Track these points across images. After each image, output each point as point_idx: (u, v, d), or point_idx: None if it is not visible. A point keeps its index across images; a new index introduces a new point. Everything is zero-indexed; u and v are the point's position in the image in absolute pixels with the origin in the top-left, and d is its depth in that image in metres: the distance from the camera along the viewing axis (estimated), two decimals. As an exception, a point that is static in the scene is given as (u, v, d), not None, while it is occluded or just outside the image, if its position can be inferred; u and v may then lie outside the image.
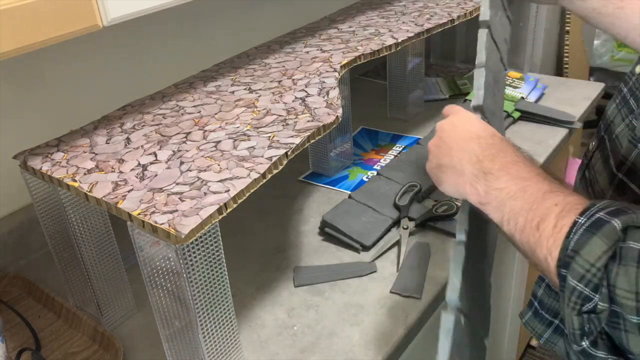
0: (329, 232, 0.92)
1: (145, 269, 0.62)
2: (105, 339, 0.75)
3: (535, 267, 0.49)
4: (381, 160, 1.12)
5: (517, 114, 1.22)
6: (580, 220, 0.45)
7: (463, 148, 0.57)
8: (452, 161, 0.58)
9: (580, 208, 0.46)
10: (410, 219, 0.92)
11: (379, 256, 0.87)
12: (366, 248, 0.88)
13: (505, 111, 1.21)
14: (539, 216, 0.47)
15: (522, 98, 1.27)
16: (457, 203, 0.94)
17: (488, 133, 0.57)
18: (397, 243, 0.89)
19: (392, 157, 1.13)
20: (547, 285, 0.79)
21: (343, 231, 0.90)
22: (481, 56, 0.69)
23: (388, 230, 0.92)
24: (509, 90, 1.29)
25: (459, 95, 1.37)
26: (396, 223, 0.93)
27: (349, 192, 1.01)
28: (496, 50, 0.75)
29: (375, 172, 1.07)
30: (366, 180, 1.06)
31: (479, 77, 0.68)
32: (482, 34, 0.71)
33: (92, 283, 0.75)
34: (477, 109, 0.66)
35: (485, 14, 0.71)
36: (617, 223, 0.43)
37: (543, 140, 1.14)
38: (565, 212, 0.47)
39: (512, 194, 0.51)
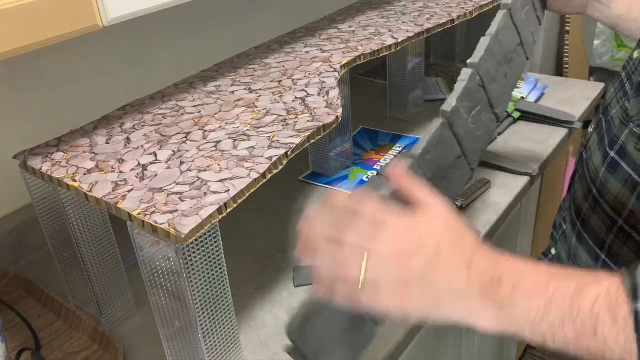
0: (329, 232, 0.92)
1: (145, 269, 0.62)
2: (105, 339, 0.75)
3: None
4: (381, 160, 1.12)
5: (517, 114, 1.22)
6: (639, 307, 0.41)
7: (451, 280, 0.45)
8: (439, 300, 0.46)
9: (622, 288, 0.43)
10: (411, 219, 0.92)
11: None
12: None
13: (505, 111, 1.21)
14: (589, 320, 0.43)
15: (522, 98, 1.27)
16: (457, 203, 0.94)
17: (467, 234, 0.47)
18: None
19: (392, 157, 1.13)
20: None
21: (343, 231, 0.90)
22: (492, 28, 0.72)
23: (388, 230, 0.92)
24: (509, 90, 1.29)
25: (459, 95, 1.37)
26: (396, 223, 0.93)
27: (349, 193, 1.01)
28: (515, 32, 0.77)
29: (375, 172, 1.07)
30: (366, 180, 1.06)
31: (484, 42, 0.70)
32: (500, 14, 0.75)
33: (92, 283, 0.75)
34: (472, 66, 0.67)
35: (507, 4, 0.75)
36: None
37: (543, 140, 1.15)
38: (614, 303, 0.43)
39: (542, 311, 0.44)
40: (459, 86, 0.66)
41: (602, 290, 0.43)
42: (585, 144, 0.69)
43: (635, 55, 0.59)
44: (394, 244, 0.45)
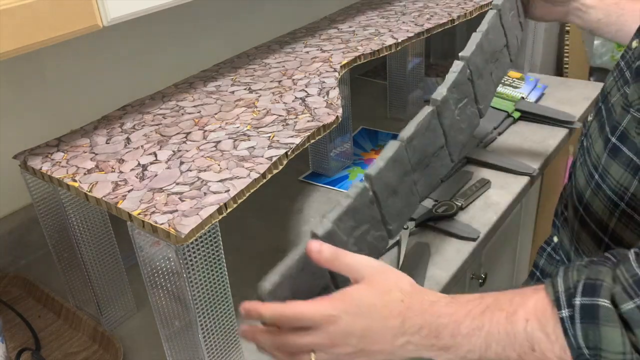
0: (329, 232, 0.92)
1: (145, 269, 0.62)
2: (105, 339, 0.75)
3: None
4: (381, 160, 1.12)
5: (517, 114, 1.22)
6: (564, 315, 0.45)
7: (395, 345, 0.50)
8: (396, 355, 0.51)
9: (547, 303, 0.47)
10: (411, 219, 0.92)
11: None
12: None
13: (505, 111, 1.21)
14: (526, 341, 0.47)
15: (522, 98, 1.27)
16: (457, 203, 0.94)
17: (391, 309, 0.50)
18: (397, 243, 0.89)
19: (392, 157, 1.13)
20: (549, 254, 0.80)
21: (343, 231, 0.90)
22: (482, 26, 0.73)
23: (388, 230, 0.92)
24: (509, 90, 1.29)
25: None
26: (396, 223, 0.93)
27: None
28: (502, 32, 0.79)
29: (375, 172, 1.07)
30: (366, 180, 1.06)
31: (474, 39, 0.72)
32: (490, 13, 0.76)
33: (92, 283, 0.75)
34: (464, 59, 0.69)
35: (497, 5, 0.78)
36: (604, 302, 0.44)
37: (543, 140, 1.15)
38: (542, 319, 0.46)
39: (484, 346, 0.48)
40: (450, 77, 0.67)
41: (530, 310, 0.47)
42: (585, 132, 0.70)
43: (634, 44, 0.60)
44: (331, 341, 0.50)
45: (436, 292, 0.52)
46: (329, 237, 0.53)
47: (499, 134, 1.18)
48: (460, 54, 0.70)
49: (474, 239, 0.89)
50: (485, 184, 1.01)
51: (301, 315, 0.49)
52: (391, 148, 0.59)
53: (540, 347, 0.46)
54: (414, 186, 0.63)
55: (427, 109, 0.64)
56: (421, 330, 0.49)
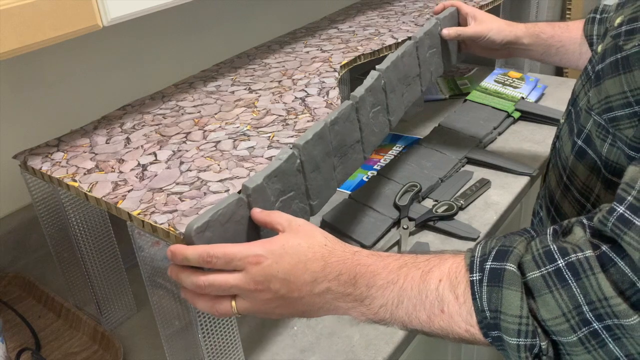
0: (329, 232, 0.92)
1: (145, 269, 0.62)
2: (105, 339, 0.75)
3: (458, 342, 0.49)
4: (381, 160, 1.12)
5: (517, 114, 1.22)
6: (474, 278, 0.46)
7: (314, 292, 0.51)
8: (313, 306, 0.52)
9: (462, 266, 0.48)
10: (410, 219, 0.92)
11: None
12: (366, 248, 0.88)
13: (505, 111, 1.21)
14: (436, 301, 0.48)
15: (522, 98, 1.27)
16: (457, 203, 0.94)
17: (314, 251, 0.52)
18: (397, 243, 0.89)
19: (392, 157, 1.13)
20: None
21: (343, 231, 0.90)
22: (399, 50, 0.85)
23: (388, 230, 0.92)
24: (509, 90, 1.29)
25: (459, 95, 1.37)
26: (396, 223, 0.93)
27: (349, 192, 1.01)
28: (417, 62, 0.90)
29: (375, 172, 1.07)
30: (366, 180, 1.06)
31: (391, 57, 0.83)
32: (409, 42, 0.88)
33: (91, 283, 0.75)
34: (380, 70, 0.79)
35: (418, 34, 0.90)
36: (511, 266, 0.45)
37: (543, 140, 1.15)
38: (454, 281, 0.48)
39: (396, 301, 0.49)
40: (367, 82, 0.76)
41: (444, 271, 0.49)
42: (557, 133, 0.72)
43: (599, 49, 0.61)
44: (267, 301, 0.52)
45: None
46: (258, 193, 0.56)
47: (499, 134, 1.18)
48: (377, 67, 0.80)
49: (474, 239, 0.89)
50: (485, 184, 1.01)
51: (227, 254, 0.50)
52: (317, 125, 0.65)
53: (449, 309, 0.47)
54: (333, 170, 0.69)
55: (347, 102, 0.71)
56: (340, 276, 0.51)
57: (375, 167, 1.10)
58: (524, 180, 1.03)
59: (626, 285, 0.41)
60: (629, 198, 0.43)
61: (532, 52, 0.94)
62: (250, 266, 0.50)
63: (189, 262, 0.51)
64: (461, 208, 0.95)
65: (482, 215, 0.95)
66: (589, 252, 0.43)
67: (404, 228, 0.91)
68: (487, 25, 0.94)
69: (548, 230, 0.48)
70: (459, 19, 1.00)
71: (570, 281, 0.43)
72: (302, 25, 1.14)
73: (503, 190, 1.00)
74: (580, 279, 0.42)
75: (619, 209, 0.43)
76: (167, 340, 0.66)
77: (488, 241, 0.49)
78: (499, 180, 1.03)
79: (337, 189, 0.70)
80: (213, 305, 0.53)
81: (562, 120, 0.71)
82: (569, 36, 0.90)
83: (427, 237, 0.91)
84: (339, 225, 0.91)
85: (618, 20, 0.56)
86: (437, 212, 0.93)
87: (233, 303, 0.52)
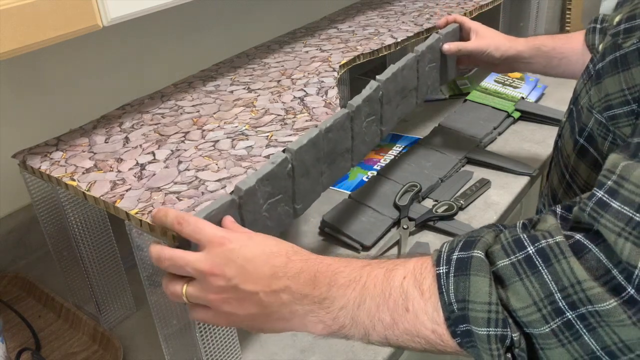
0: (329, 232, 0.92)
1: (143, 268, 0.62)
2: (105, 339, 0.75)
3: (425, 351, 0.46)
4: (381, 160, 1.12)
5: (517, 114, 1.22)
6: (440, 271, 0.44)
7: (271, 288, 0.49)
8: (266, 308, 0.49)
9: (428, 262, 0.46)
10: (410, 219, 0.92)
11: (379, 256, 0.87)
12: (366, 248, 0.88)
13: (505, 111, 1.21)
14: (400, 298, 0.45)
15: (522, 98, 1.27)
16: (457, 203, 0.94)
17: (280, 247, 0.51)
18: (397, 243, 0.89)
19: (392, 157, 1.13)
20: None
21: (343, 231, 0.90)
22: (401, 62, 0.85)
23: (388, 230, 0.92)
24: (509, 90, 1.29)
25: (459, 95, 1.37)
26: (396, 223, 0.93)
27: (349, 192, 1.01)
28: (416, 76, 0.90)
29: (375, 172, 1.07)
30: (366, 180, 1.06)
31: (392, 68, 0.82)
32: (410, 55, 0.88)
33: (90, 281, 0.75)
34: (379, 81, 0.79)
35: (420, 48, 0.90)
36: (478, 253, 0.43)
37: (543, 140, 1.14)
38: (419, 276, 0.45)
39: (358, 301, 0.46)
40: (365, 92, 0.77)
41: (409, 268, 0.46)
42: (559, 132, 0.72)
43: (601, 47, 0.61)
44: (225, 301, 0.50)
45: None
46: (250, 195, 0.57)
47: (499, 134, 1.18)
48: (377, 77, 0.80)
49: (473, 239, 0.88)
50: (485, 184, 1.00)
51: (198, 224, 0.51)
52: (312, 132, 0.66)
53: (413, 307, 0.44)
54: (320, 176, 0.69)
55: (344, 110, 0.72)
56: (300, 275, 0.48)
57: (375, 167, 1.10)
58: (524, 180, 1.03)
59: (601, 272, 0.39)
60: (609, 182, 0.41)
61: (534, 65, 0.94)
62: (213, 246, 0.50)
63: (167, 221, 0.52)
64: (461, 208, 0.95)
65: (482, 215, 0.94)
66: (559, 238, 0.41)
67: (404, 228, 0.91)
68: (487, 41, 0.95)
69: (517, 224, 0.46)
70: (462, 33, 1.00)
71: (540, 267, 0.41)
72: (302, 25, 1.14)
73: (503, 190, 1.00)
74: (551, 265, 0.40)
75: (598, 194, 0.42)
76: (165, 340, 0.66)
77: (456, 237, 0.47)
78: (499, 180, 1.03)
79: (337, 189, 0.71)
80: (167, 285, 0.52)
81: (563, 119, 0.71)
82: (571, 47, 0.90)
83: (427, 237, 0.91)
84: (339, 225, 0.91)
85: (617, 19, 0.56)
86: (437, 212, 0.93)
87: (185, 286, 0.51)
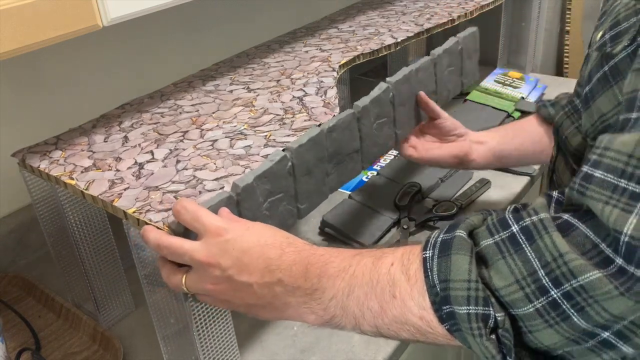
0: (329, 232, 0.92)
1: (142, 267, 0.62)
2: (105, 339, 0.75)
3: (414, 341, 0.45)
4: (381, 160, 1.12)
5: (517, 114, 1.22)
6: (427, 254, 0.44)
7: (264, 280, 0.49)
8: (261, 299, 0.50)
9: (417, 249, 0.45)
10: (410, 219, 0.92)
11: (370, 245, 0.87)
12: (366, 248, 0.88)
13: (505, 111, 1.21)
14: (387, 285, 0.45)
15: (522, 98, 1.26)
16: (457, 203, 0.94)
17: (275, 239, 0.51)
18: (397, 243, 0.89)
19: (392, 157, 1.13)
20: None
21: (343, 231, 0.90)
22: (415, 64, 0.83)
23: (388, 230, 0.92)
24: (509, 90, 1.29)
25: (459, 95, 1.36)
26: (396, 223, 0.93)
27: (349, 192, 1.01)
28: (434, 79, 0.89)
29: (375, 172, 1.07)
30: (366, 180, 1.06)
31: (404, 70, 0.81)
32: (426, 58, 0.86)
33: (90, 281, 0.75)
34: (389, 82, 0.78)
35: (436, 51, 0.88)
36: (461, 233, 0.43)
37: (544, 140, 1.14)
38: (407, 262, 0.45)
39: (347, 290, 0.47)
40: (373, 93, 0.75)
41: (397, 255, 0.46)
42: (552, 167, 0.68)
43: (585, 72, 0.58)
44: (222, 292, 0.51)
45: None
46: (248, 192, 0.57)
47: (500, 133, 1.17)
48: (387, 79, 0.79)
49: (473, 239, 0.88)
50: (485, 184, 1.00)
51: (197, 212, 0.51)
52: (313, 131, 0.65)
53: (400, 293, 0.44)
54: (326, 177, 0.68)
55: (349, 111, 0.71)
56: (292, 267, 0.49)
57: (375, 167, 1.10)
58: (524, 180, 1.03)
59: (588, 247, 0.38)
60: (594, 157, 0.41)
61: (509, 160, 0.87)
62: (210, 235, 0.50)
63: (174, 208, 0.53)
64: (461, 208, 0.95)
65: (482, 214, 0.94)
66: (543, 214, 0.40)
67: (404, 228, 0.91)
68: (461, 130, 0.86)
69: (509, 207, 0.46)
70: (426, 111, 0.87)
71: (524, 245, 0.40)
72: (302, 25, 1.14)
73: (503, 190, 1.00)
74: (534, 242, 0.40)
75: (584, 169, 0.41)
76: (164, 339, 0.66)
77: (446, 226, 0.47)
78: (499, 180, 1.03)
79: (338, 190, 0.70)
80: (168, 275, 0.53)
81: (553, 154, 0.68)
82: (529, 139, 0.82)
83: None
84: (339, 225, 0.91)
85: (599, 35, 0.54)
86: (437, 212, 0.92)
87: (184, 276, 0.52)
